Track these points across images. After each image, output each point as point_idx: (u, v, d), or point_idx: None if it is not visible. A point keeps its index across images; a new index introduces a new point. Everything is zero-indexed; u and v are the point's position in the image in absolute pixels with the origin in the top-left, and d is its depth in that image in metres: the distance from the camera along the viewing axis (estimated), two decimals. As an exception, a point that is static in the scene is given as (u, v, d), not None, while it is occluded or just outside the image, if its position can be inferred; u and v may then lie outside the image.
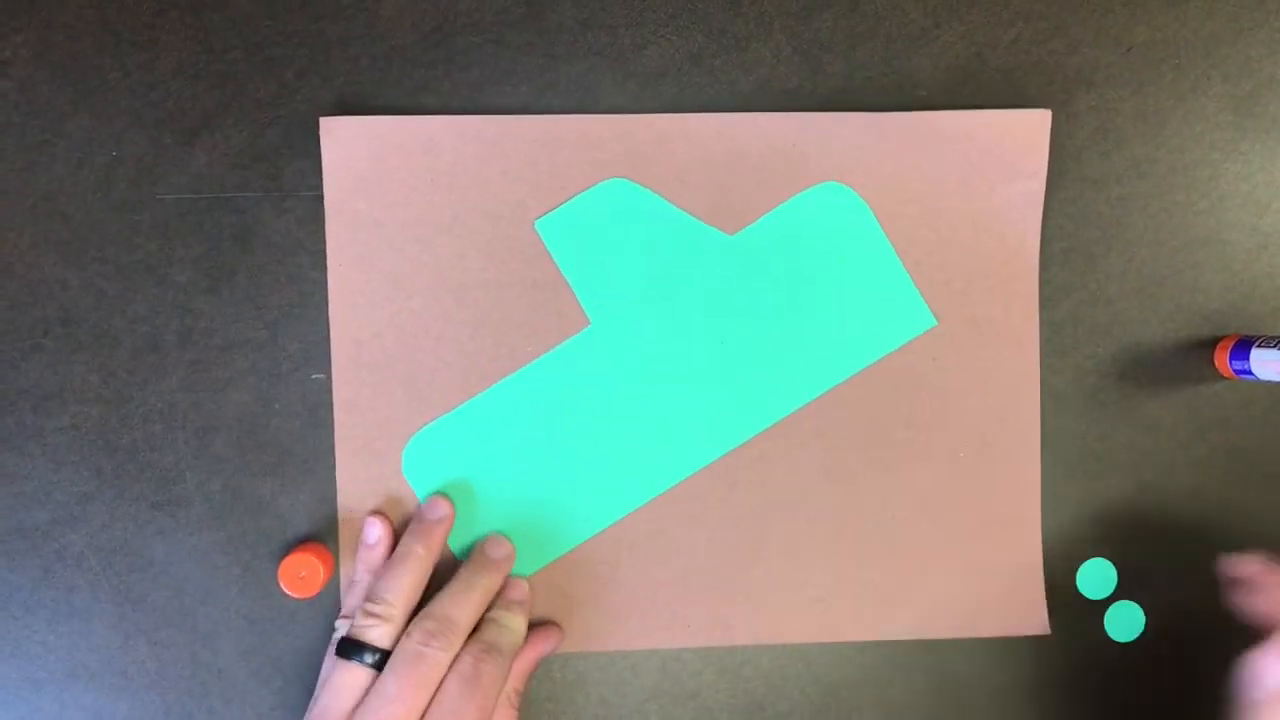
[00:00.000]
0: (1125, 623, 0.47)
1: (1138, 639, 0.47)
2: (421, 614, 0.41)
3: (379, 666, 0.40)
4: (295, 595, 0.43)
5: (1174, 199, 0.47)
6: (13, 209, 0.44)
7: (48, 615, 0.45)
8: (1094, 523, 0.47)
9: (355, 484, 0.45)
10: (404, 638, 0.40)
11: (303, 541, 0.45)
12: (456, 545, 0.45)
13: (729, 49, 0.45)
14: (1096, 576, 0.47)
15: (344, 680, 0.39)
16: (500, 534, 0.45)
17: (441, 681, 0.40)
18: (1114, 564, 0.47)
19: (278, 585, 0.44)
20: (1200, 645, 0.48)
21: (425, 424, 0.45)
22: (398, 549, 0.43)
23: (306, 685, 0.45)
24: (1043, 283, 0.46)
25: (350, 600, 0.44)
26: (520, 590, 0.44)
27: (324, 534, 0.45)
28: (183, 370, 0.45)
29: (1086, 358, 0.47)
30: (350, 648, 0.40)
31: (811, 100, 0.46)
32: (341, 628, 0.42)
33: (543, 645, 0.45)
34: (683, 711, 0.46)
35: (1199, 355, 0.47)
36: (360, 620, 0.40)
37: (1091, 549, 0.47)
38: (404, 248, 0.45)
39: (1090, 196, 0.46)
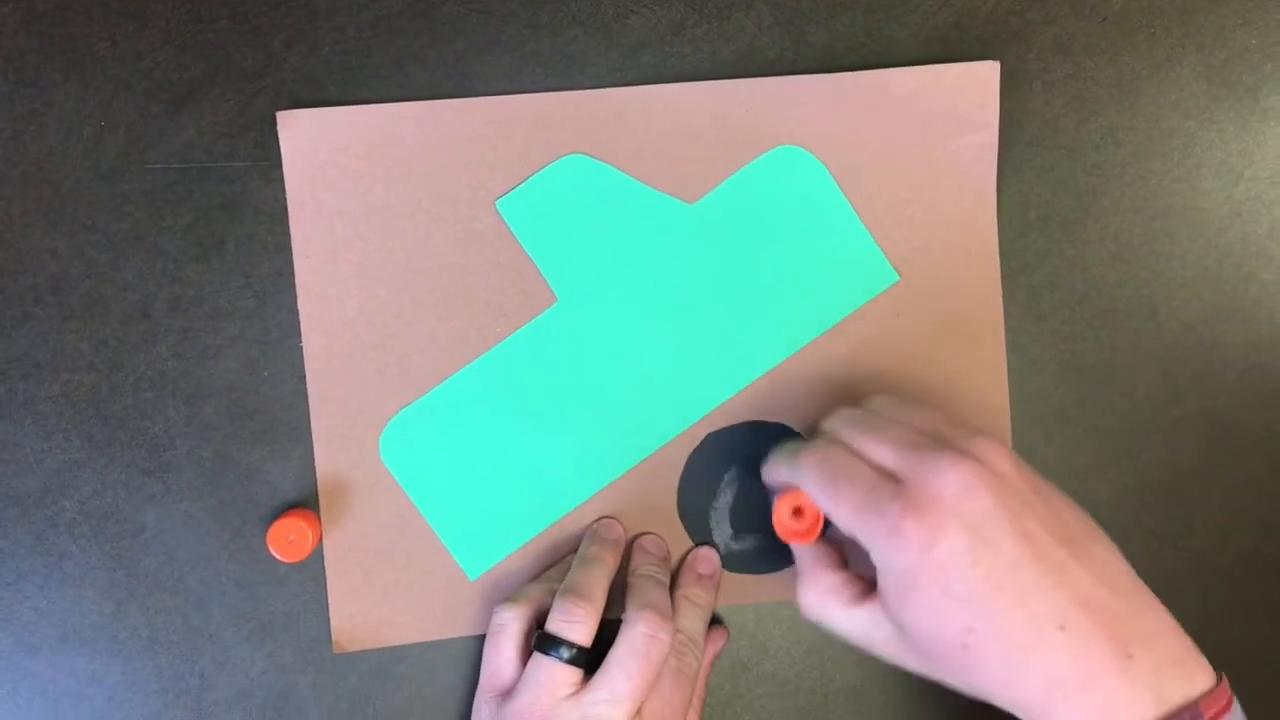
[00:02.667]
0: (1102, 583, 0.48)
1: (1114, 599, 0.48)
2: (636, 605, 0.41)
3: (574, 661, 0.40)
4: (284, 560, 0.43)
5: (1149, 167, 0.47)
6: (2, 178, 0.44)
7: (40, 581, 0.45)
8: (1070, 485, 0.47)
9: (334, 471, 0.45)
10: (627, 629, 0.40)
11: (291, 507, 0.45)
12: (439, 526, 0.46)
13: (711, 18, 0.46)
14: (1074, 538, 0.48)
15: (548, 677, 0.40)
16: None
17: None
18: (1091, 526, 0.48)
19: (267, 550, 0.45)
20: (1176, 606, 0.49)
21: (400, 409, 0.45)
22: (584, 552, 0.44)
23: (297, 648, 0.46)
24: (1019, 249, 0.47)
25: (533, 592, 0.43)
26: (708, 564, 0.46)
27: (312, 499, 0.45)
28: (173, 338, 0.45)
29: (1063, 323, 0.47)
30: (549, 642, 0.40)
31: (793, 70, 0.46)
32: (503, 613, 0.42)
33: (715, 646, 0.46)
34: (668, 673, 0.47)
35: (1174, 320, 0.48)
36: (563, 614, 0.40)
37: (1069, 511, 0.48)
38: (369, 236, 0.45)
39: (1066, 164, 0.47)
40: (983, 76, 0.46)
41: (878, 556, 0.35)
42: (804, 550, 0.40)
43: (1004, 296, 0.47)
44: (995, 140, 0.46)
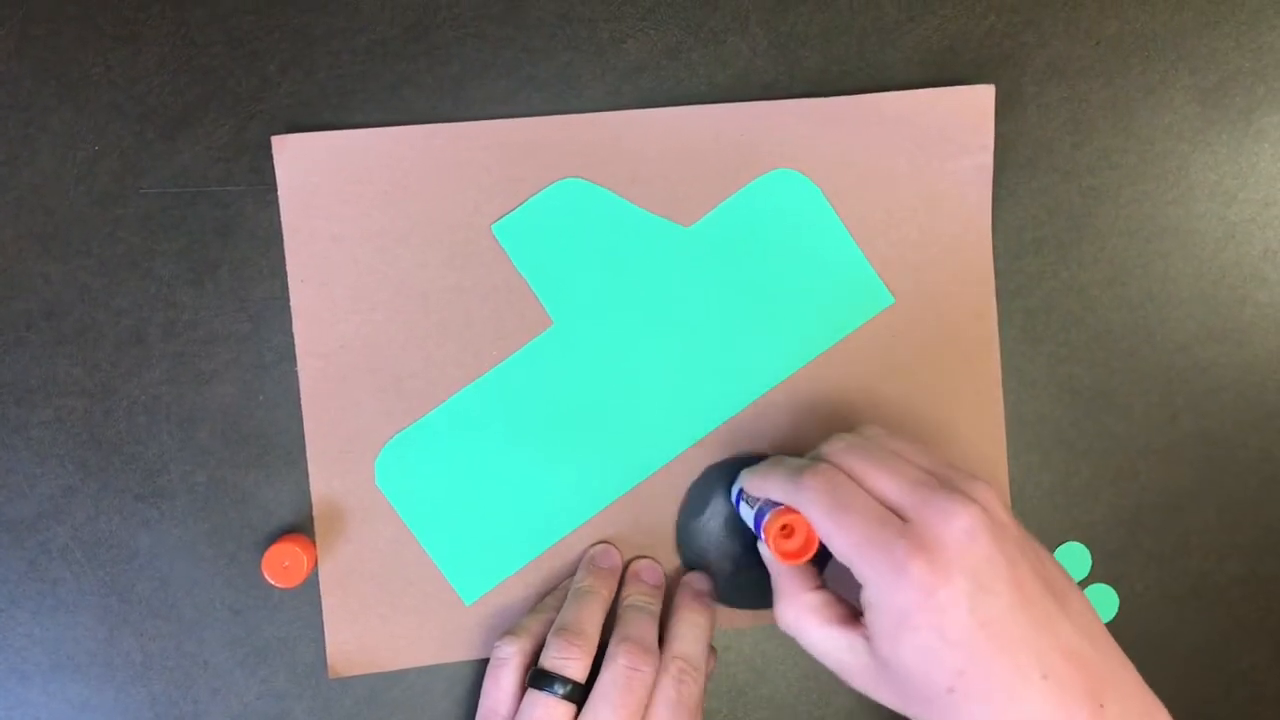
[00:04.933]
0: (1099, 605, 0.48)
1: (1111, 621, 0.48)
2: (617, 638, 0.41)
3: (570, 697, 0.40)
4: (279, 585, 0.43)
5: (1143, 189, 0.48)
6: (-4, 203, 0.44)
7: (33, 608, 0.45)
8: (1068, 507, 0.48)
9: (329, 495, 0.45)
10: (608, 664, 0.40)
11: (286, 532, 0.45)
12: (434, 551, 0.46)
13: (706, 43, 0.46)
14: (1071, 560, 0.48)
15: (544, 713, 0.40)
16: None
17: (649, 704, 0.40)
18: (1088, 548, 0.48)
19: (262, 576, 0.44)
20: (1173, 627, 0.49)
21: (395, 434, 0.45)
22: (579, 585, 0.44)
23: (292, 674, 0.45)
24: (1015, 271, 0.47)
25: (532, 625, 0.44)
26: (703, 581, 0.45)
27: (307, 524, 0.45)
28: (166, 363, 0.45)
29: (1059, 345, 0.48)
30: (544, 679, 0.40)
31: (788, 93, 0.46)
32: (506, 647, 0.42)
33: (706, 668, 0.45)
34: (665, 697, 0.47)
35: (1169, 342, 0.48)
36: (558, 651, 0.41)
37: (1066, 533, 0.48)
38: (363, 260, 0.45)
39: (1062, 187, 0.47)
40: (978, 99, 0.46)
41: (873, 592, 0.35)
42: (782, 566, 0.40)
43: (1000, 319, 0.47)
44: (990, 163, 0.46)
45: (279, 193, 0.45)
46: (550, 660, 0.40)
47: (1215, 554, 0.48)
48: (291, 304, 0.45)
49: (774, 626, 0.47)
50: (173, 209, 0.45)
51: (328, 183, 0.45)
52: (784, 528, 0.39)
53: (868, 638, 0.36)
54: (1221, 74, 0.47)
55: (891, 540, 0.35)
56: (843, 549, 0.36)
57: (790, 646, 0.47)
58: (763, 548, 0.41)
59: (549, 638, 0.41)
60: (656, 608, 0.44)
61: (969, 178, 0.46)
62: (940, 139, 0.46)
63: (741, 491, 0.43)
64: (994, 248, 0.47)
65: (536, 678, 0.40)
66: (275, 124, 0.45)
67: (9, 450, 0.45)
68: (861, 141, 0.46)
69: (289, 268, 0.45)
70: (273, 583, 0.43)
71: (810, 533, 0.38)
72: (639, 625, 0.42)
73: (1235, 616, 0.48)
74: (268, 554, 0.43)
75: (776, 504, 0.39)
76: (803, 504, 0.38)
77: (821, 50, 0.46)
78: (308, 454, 0.45)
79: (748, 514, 0.42)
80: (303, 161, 0.45)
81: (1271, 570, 0.48)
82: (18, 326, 0.44)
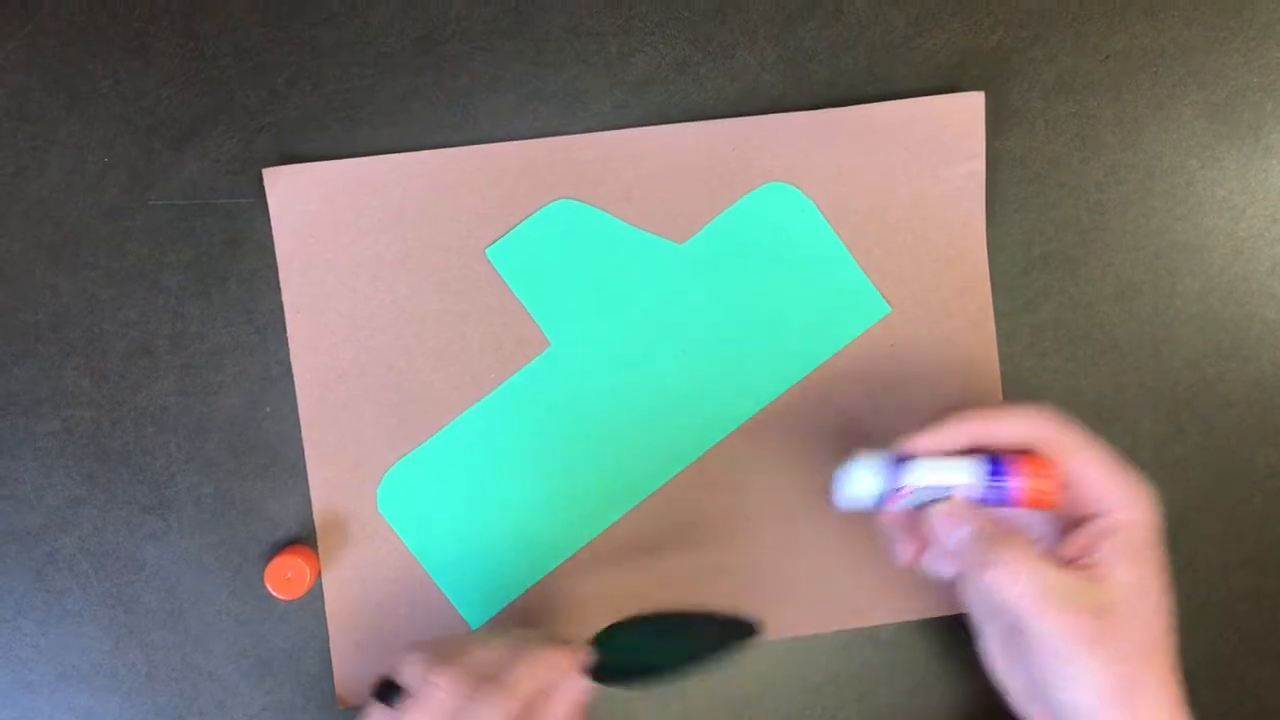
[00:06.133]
0: (1105, 621, 0.48)
1: (1117, 637, 0.48)
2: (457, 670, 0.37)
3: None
4: (282, 597, 0.43)
5: (1151, 204, 0.48)
6: (4, 214, 0.44)
7: (39, 618, 0.45)
8: (1074, 523, 0.48)
9: (333, 520, 0.45)
10: (421, 689, 0.37)
11: (291, 542, 0.45)
12: (439, 576, 0.45)
13: (715, 57, 0.46)
14: (1077, 576, 0.48)
15: None
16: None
17: None
18: (1094, 563, 0.48)
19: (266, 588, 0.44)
20: (1179, 642, 0.48)
21: (395, 460, 0.45)
22: (516, 632, 0.41)
23: (297, 685, 0.45)
24: (1021, 286, 0.47)
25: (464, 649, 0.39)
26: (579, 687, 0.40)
27: (312, 536, 0.45)
28: (174, 374, 0.45)
29: (1066, 360, 0.47)
30: (388, 692, 0.38)
31: (796, 108, 0.46)
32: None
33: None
34: (670, 709, 0.47)
35: (1176, 358, 0.48)
36: (418, 668, 0.38)
37: (1072, 549, 0.48)
38: (359, 288, 0.45)
39: (1070, 202, 0.47)
40: (968, 106, 0.46)
41: (1129, 508, 0.39)
42: (985, 527, 0.39)
43: (1007, 334, 0.47)
44: (983, 169, 0.46)
45: (272, 224, 0.45)
46: (404, 675, 0.38)
47: (1221, 569, 0.48)
48: (288, 332, 0.45)
49: (780, 640, 0.47)
50: (180, 221, 0.45)
51: (321, 213, 0.45)
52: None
53: (1094, 577, 0.38)
54: (1230, 90, 0.47)
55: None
56: (1102, 463, 0.39)
57: (797, 660, 0.47)
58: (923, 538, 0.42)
59: (423, 657, 0.38)
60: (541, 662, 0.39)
61: (962, 185, 0.46)
62: (932, 147, 0.46)
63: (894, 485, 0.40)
64: (1001, 262, 0.47)
65: (382, 689, 0.38)
66: (283, 136, 0.45)
67: (17, 461, 0.45)
68: (853, 152, 0.46)
69: (285, 297, 0.45)
70: (276, 595, 0.43)
71: (1059, 472, 0.39)
72: (485, 654, 0.38)
73: (1242, 632, 0.48)
74: (270, 567, 0.43)
75: (933, 500, 0.40)
76: (1059, 428, 0.40)
77: (830, 64, 0.46)
78: (309, 480, 0.45)
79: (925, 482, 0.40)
80: (295, 192, 0.45)
81: (1277, 586, 0.48)
82: (26, 338, 0.45)
